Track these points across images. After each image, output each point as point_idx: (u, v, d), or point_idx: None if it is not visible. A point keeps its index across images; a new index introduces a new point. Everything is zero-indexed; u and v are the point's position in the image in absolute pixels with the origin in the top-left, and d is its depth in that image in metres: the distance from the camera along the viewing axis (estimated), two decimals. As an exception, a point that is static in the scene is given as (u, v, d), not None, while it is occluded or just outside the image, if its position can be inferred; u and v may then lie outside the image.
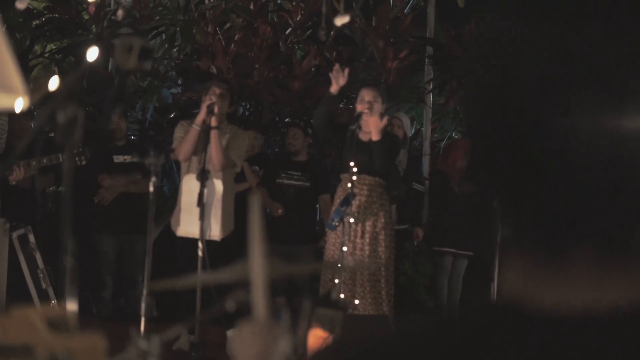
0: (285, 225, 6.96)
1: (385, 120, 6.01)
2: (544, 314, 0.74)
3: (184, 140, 6.08)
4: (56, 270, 6.59)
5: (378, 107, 6.00)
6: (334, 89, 5.96)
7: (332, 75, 6.02)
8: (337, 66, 6.04)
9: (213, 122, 5.89)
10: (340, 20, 5.38)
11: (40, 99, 5.77)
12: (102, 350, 1.46)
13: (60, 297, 6.05)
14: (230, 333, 5.80)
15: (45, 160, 6.26)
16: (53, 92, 1.79)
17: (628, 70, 0.71)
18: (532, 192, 0.74)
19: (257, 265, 2.30)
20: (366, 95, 6.03)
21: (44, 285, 6.33)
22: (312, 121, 6.32)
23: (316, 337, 3.54)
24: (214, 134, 5.88)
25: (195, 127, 6.00)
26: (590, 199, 0.72)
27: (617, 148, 0.70)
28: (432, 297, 8.05)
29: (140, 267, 7.29)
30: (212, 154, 5.90)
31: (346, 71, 5.96)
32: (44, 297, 6.29)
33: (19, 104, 1.84)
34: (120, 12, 5.90)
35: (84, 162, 6.23)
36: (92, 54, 1.85)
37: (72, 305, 1.70)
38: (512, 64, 0.74)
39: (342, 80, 5.96)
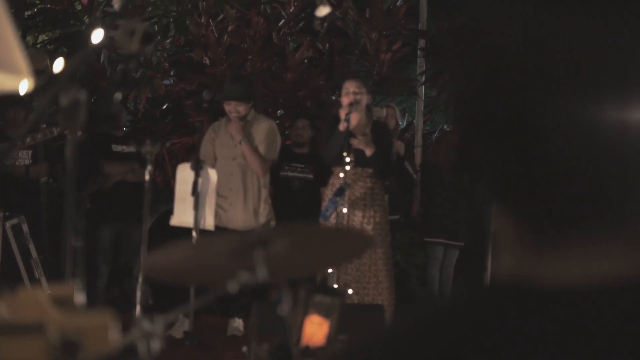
0: (290, 218, 6.90)
1: (364, 138, 5.90)
2: (546, 288, 0.75)
3: None
4: (50, 259, 6.60)
5: (364, 98, 5.98)
6: (342, 127, 5.81)
7: (341, 114, 5.88)
8: (346, 106, 5.88)
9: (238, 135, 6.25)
10: (321, 12, 5.35)
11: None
12: (112, 328, 1.48)
13: (56, 283, 6.04)
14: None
15: (39, 136, 6.31)
16: (56, 75, 1.79)
17: (629, 62, 0.71)
18: (524, 177, 0.74)
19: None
20: (350, 86, 5.99)
21: (37, 275, 6.34)
22: (320, 153, 6.26)
23: (313, 323, 3.56)
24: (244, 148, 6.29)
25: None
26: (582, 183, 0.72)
27: (620, 137, 0.71)
28: (424, 288, 8.08)
29: (137, 256, 7.28)
30: (252, 166, 6.38)
31: (355, 115, 5.85)
32: (37, 287, 6.30)
33: (24, 86, 1.83)
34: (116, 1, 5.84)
35: (55, 134, 6.29)
36: (98, 36, 1.85)
37: (78, 285, 1.72)
38: (501, 54, 0.75)
39: (354, 120, 5.85)
